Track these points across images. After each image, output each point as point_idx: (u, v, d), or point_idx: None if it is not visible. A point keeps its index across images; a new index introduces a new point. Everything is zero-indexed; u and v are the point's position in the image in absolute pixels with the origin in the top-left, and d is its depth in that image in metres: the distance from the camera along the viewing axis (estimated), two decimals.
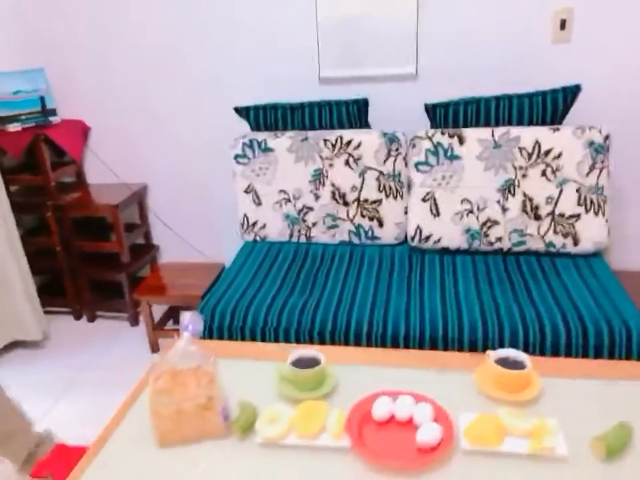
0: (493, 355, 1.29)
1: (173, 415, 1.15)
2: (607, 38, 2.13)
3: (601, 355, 1.61)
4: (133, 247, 2.66)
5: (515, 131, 2.03)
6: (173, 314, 2.63)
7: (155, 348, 2.45)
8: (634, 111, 2.19)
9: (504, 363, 1.26)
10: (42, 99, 2.50)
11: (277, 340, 1.78)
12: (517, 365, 1.25)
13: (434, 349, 1.68)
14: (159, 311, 2.52)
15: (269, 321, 1.79)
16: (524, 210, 2.03)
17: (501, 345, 1.64)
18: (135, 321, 2.67)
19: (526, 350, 1.60)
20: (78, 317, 2.75)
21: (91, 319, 2.73)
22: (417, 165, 2.08)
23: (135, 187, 2.65)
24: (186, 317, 1.19)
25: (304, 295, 1.89)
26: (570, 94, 2.04)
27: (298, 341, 1.77)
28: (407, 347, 1.70)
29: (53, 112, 2.55)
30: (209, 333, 1.80)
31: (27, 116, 2.46)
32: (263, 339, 1.79)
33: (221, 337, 1.81)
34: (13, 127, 2.45)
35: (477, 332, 1.68)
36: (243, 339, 1.81)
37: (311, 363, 1.30)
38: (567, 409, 1.18)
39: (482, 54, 2.22)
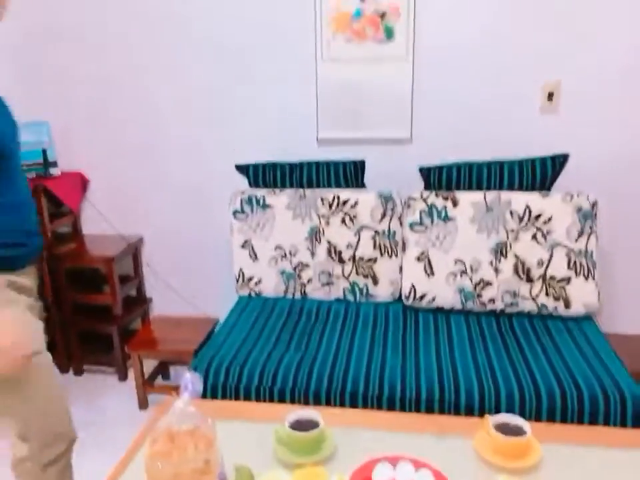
0: (492, 420, 1.29)
1: (170, 478, 1.12)
2: (592, 110, 2.24)
3: (596, 421, 1.61)
4: (125, 299, 2.65)
5: (506, 195, 2.10)
6: (162, 369, 2.59)
7: (143, 404, 2.40)
8: (618, 179, 2.28)
9: (503, 428, 1.25)
10: (44, 151, 2.54)
11: (271, 399, 1.76)
12: (516, 431, 1.25)
13: (430, 412, 1.68)
14: (148, 365, 2.48)
15: (264, 380, 1.77)
16: (516, 272, 2.07)
17: (497, 409, 1.64)
18: (123, 376, 2.62)
19: (522, 414, 1.61)
20: (65, 371, 2.70)
21: (78, 372, 2.68)
22: (411, 224, 2.13)
23: (130, 239, 2.67)
24: (187, 377, 1.18)
25: (299, 353, 1.88)
26: (558, 162, 2.13)
27: (293, 400, 1.75)
28: (402, 408, 1.70)
29: (54, 164, 2.59)
30: (202, 390, 1.77)
31: (28, 167, 2.49)
32: (258, 398, 1.77)
33: (214, 395, 1.79)
34: None
35: (473, 396, 1.68)
36: (237, 397, 1.78)
37: (309, 424, 1.29)
38: (569, 477, 1.17)
39: (474, 120, 2.32)
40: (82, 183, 2.72)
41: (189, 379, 1.19)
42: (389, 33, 2.31)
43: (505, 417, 1.30)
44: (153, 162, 2.64)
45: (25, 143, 2.49)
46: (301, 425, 1.29)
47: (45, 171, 2.56)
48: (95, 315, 2.65)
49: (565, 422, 1.62)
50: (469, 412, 1.66)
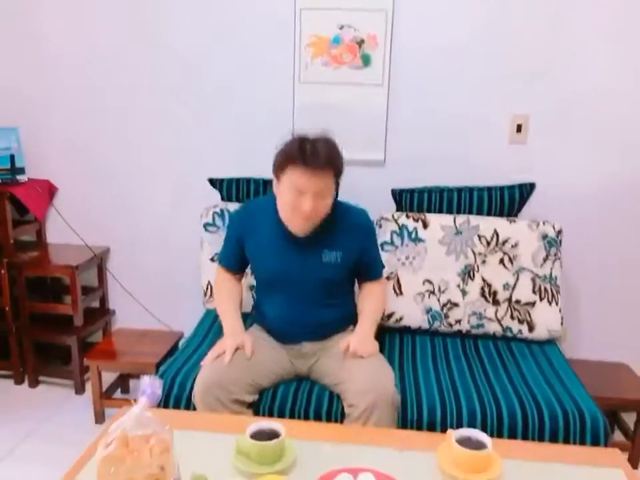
0: (455, 434, 1.28)
1: None
2: (559, 143, 2.33)
3: (556, 439, 1.62)
4: (87, 311, 2.58)
5: (475, 219, 2.15)
6: (121, 383, 2.52)
7: (99, 419, 2.31)
8: (583, 207, 2.36)
9: (465, 442, 1.26)
10: (12, 157, 2.49)
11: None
12: (478, 445, 1.25)
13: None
14: (107, 379, 2.40)
15: None
16: (482, 294, 2.10)
17: (459, 426, 1.63)
18: (81, 389, 2.52)
19: (484, 432, 1.60)
20: (19, 382, 2.59)
21: (33, 384, 2.57)
22: (382, 244, 2.15)
23: (96, 250, 2.61)
24: (145, 381, 1.15)
25: None
26: (525, 190, 2.20)
27: (257, 415, 1.71)
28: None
29: (22, 170, 2.54)
30: (164, 401, 1.72)
31: None
32: None
33: (177, 407, 1.73)
34: None
35: (435, 414, 1.67)
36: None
37: (270, 435, 1.27)
38: None
39: (446, 146, 2.38)
40: (49, 191, 2.66)
41: (148, 383, 1.15)
42: (366, 60, 2.37)
43: (467, 432, 1.30)
44: (123, 173, 2.61)
45: None
46: (262, 436, 1.27)
47: (11, 176, 2.51)
48: (54, 326, 2.56)
49: (526, 440, 1.63)
50: (431, 429, 1.65)
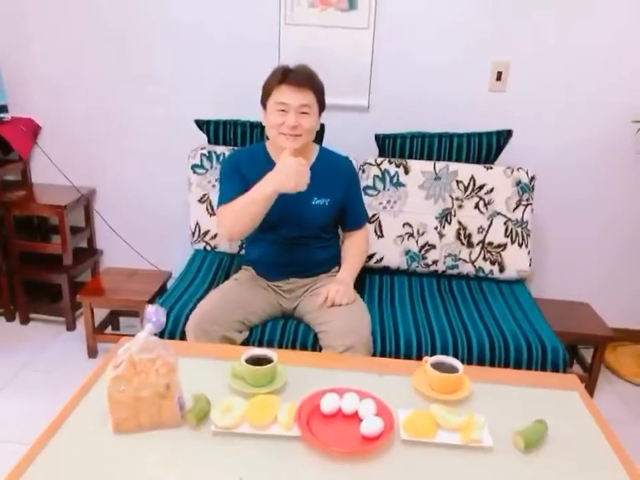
0: (430, 360, 1.42)
1: (131, 401, 1.19)
2: (537, 91, 2.40)
3: (520, 368, 1.79)
4: (74, 251, 2.63)
5: (453, 165, 2.24)
6: (112, 320, 2.61)
7: (92, 353, 2.42)
8: (556, 157, 2.47)
9: (439, 367, 1.39)
10: None
11: None
12: (450, 369, 1.39)
13: None
14: (97, 317, 2.48)
15: None
16: (458, 237, 2.23)
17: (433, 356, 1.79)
18: (72, 326, 2.62)
19: None
20: (10, 319, 2.66)
21: (24, 321, 2.65)
22: (365, 188, 2.23)
23: (82, 190, 2.64)
24: (150, 309, 1.24)
25: None
26: (502, 137, 2.29)
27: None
28: None
29: (4, 109, 2.51)
30: (160, 335, 1.82)
31: None
32: None
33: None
34: None
35: (411, 346, 1.82)
36: None
37: (263, 361, 1.38)
38: (493, 408, 1.32)
39: (428, 93, 2.43)
40: (33, 130, 2.65)
41: (153, 312, 1.25)
42: (352, 3, 2.37)
43: (440, 358, 1.44)
44: (109, 111, 2.60)
45: None
46: (256, 361, 1.38)
47: None
48: (43, 265, 2.62)
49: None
50: (408, 359, 1.80)
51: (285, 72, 1.74)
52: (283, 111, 1.73)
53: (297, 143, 1.75)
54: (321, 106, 1.81)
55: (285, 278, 1.91)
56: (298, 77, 1.73)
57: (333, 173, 1.89)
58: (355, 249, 1.96)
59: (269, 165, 1.77)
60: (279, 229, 1.86)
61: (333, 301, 1.77)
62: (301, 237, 1.87)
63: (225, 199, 1.81)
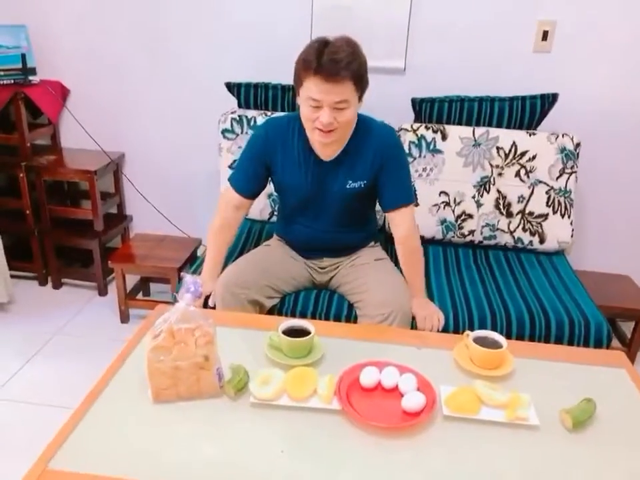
0: (472, 334, 1.38)
1: (170, 371, 1.18)
2: (585, 52, 2.27)
3: (561, 343, 1.73)
4: (104, 216, 2.62)
5: (494, 131, 2.14)
6: (142, 287, 2.62)
7: (124, 318, 2.44)
8: (603, 123, 2.34)
9: (481, 342, 1.35)
10: (23, 56, 2.42)
11: None
12: (493, 345, 1.35)
13: None
14: (128, 283, 2.48)
15: None
16: (497, 206, 2.15)
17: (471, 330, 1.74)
18: (104, 291, 2.64)
19: None
20: (43, 283, 2.70)
21: (57, 285, 2.68)
22: None
23: (112, 155, 2.61)
24: (188, 279, 1.22)
25: None
26: (547, 101, 2.17)
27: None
28: None
29: (33, 71, 2.48)
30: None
31: (6, 72, 2.38)
32: None
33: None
34: None
35: (448, 320, 1.76)
36: None
37: (301, 333, 1.36)
38: (538, 385, 1.28)
39: (468, 54, 2.32)
40: (62, 93, 2.62)
41: (192, 281, 1.22)
42: None
43: (482, 333, 1.40)
44: (137, 75, 2.55)
45: (1, 46, 2.39)
46: (293, 333, 1.36)
47: (23, 77, 2.45)
48: (73, 230, 2.62)
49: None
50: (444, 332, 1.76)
51: (318, 57, 1.46)
52: (316, 107, 1.53)
53: (331, 138, 1.60)
54: (362, 90, 1.59)
55: (319, 257, 1.86)
56: (334, 67, 1.46)
57: (369, 150, 1.68)
58: (414, 259, 1.77)
59: (300, 144, 1.69)
60: (312, 215, 1.77)
61: (432, 326, 1.68)
62: (335, 222, 1.78)
63: (234, 180, 1.78)
